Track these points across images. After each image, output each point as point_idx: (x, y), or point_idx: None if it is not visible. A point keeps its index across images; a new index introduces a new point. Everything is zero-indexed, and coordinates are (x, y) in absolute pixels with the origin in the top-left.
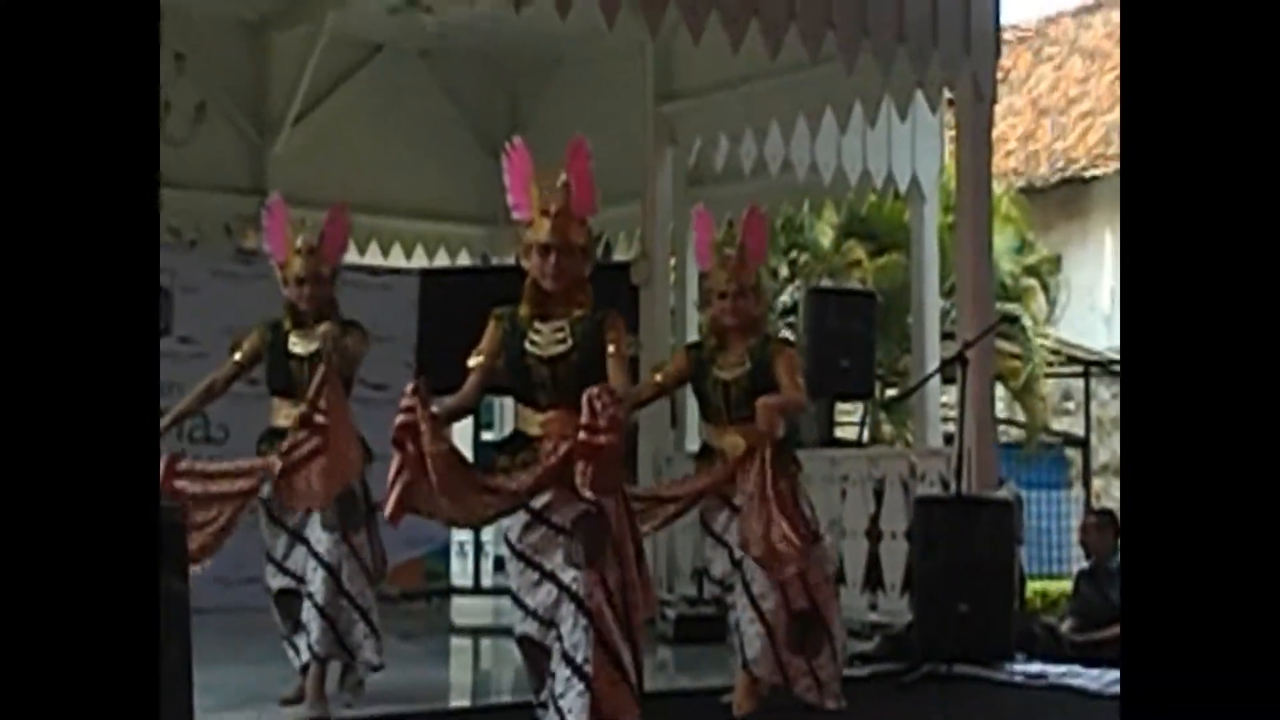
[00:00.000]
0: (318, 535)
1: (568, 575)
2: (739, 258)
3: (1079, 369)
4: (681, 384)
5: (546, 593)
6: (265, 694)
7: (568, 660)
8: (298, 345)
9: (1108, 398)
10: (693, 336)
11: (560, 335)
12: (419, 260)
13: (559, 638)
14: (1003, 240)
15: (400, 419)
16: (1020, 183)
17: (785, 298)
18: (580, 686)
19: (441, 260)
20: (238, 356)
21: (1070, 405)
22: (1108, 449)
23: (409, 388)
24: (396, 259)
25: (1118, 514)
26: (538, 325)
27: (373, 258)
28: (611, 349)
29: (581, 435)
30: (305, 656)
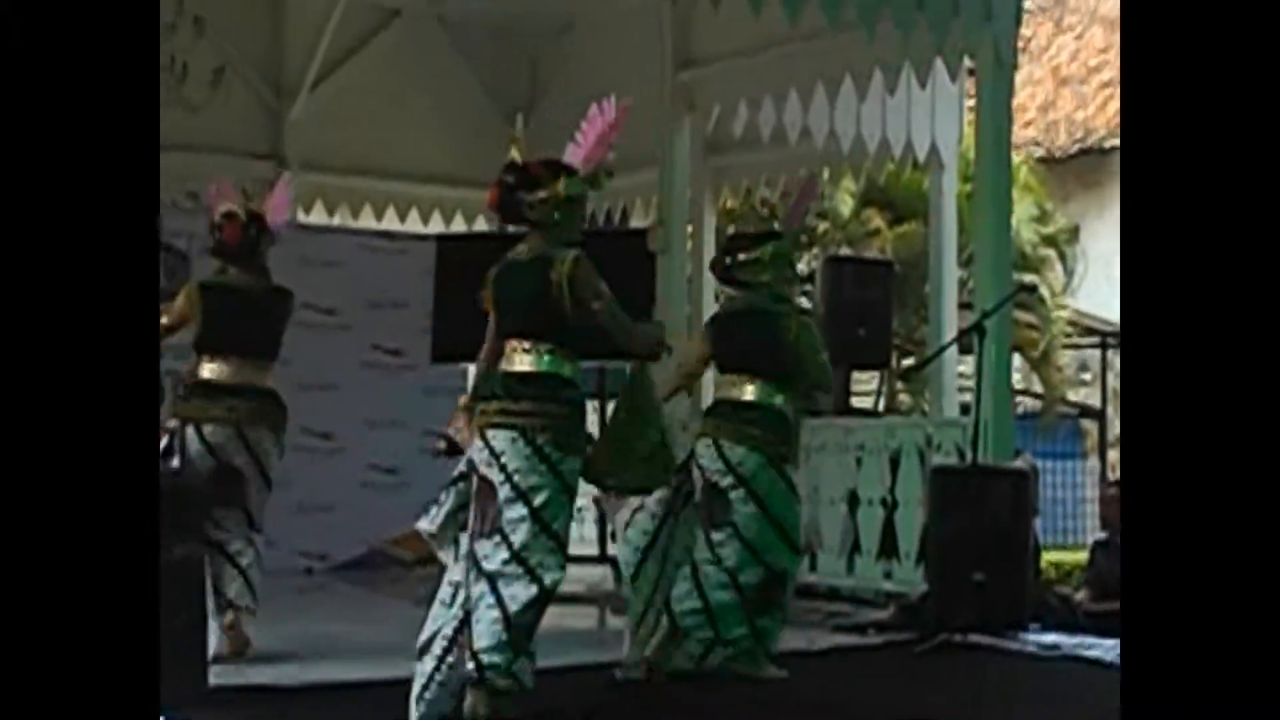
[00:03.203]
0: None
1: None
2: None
3: (1096, 340)
4: (706, 365)
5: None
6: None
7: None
8: None
9: None
10: (709, 303)
11: None
12: (435, 226)
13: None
14: (1021, 210)
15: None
16: (1039, 152)
17: (802, 266)
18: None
19: (458, 226)
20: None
21: (1087, 376)
22: None
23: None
24: (413, 224)
25: None
26: None
27: (389, 223)
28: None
29: None
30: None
